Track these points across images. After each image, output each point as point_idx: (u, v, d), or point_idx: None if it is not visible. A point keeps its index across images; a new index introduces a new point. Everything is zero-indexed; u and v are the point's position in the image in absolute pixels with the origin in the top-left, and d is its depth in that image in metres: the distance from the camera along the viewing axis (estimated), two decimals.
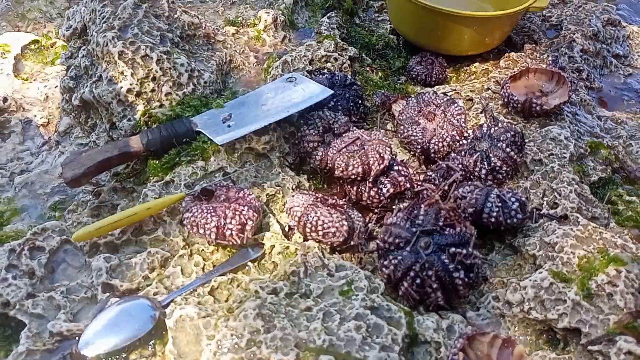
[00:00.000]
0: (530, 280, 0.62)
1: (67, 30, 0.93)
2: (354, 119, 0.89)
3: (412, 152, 0.87)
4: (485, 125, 0.82)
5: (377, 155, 0.76)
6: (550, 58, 0.99)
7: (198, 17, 0.93)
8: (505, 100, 0.88)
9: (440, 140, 0.84)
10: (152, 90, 0.80)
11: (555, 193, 0.73)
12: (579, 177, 0.77)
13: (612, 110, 0.95)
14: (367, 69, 1.01)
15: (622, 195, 0.77)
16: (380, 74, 1.01)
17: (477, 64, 1.02)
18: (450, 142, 0.84)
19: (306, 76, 0.89)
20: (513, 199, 0.69)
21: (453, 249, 0.62)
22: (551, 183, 0.74)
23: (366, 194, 0.77)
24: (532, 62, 0.99)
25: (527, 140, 0.83)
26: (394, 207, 0.77)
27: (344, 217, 0.70)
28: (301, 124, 0.83)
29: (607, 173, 0.81)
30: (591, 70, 0.99)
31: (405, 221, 0.66)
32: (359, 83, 0.92)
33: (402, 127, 0.87)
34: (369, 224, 0.76)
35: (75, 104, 0.85)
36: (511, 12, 0.92)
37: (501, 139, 0.79)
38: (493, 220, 0.68)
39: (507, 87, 0.88)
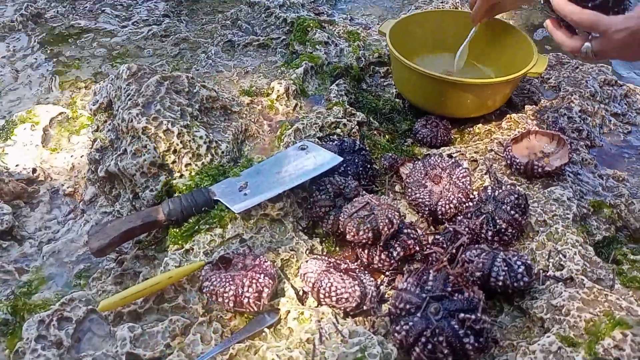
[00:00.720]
0: (538, 344, 0.63)
1: (93, 105, 1.00)
2: (364, 182, 0.93)
3: (420, 214, 0.90)
4: (489, 187, 0.86)
5: (387, 220, 0.79)
6: (550, 119, 1.03)
7: (215, 90, 1.00)
8: (509, 162, 0.92)
9: (447, 202, 0.87)
10: (173, 162, 0.86)
11: (560, 255, 0.75)
12: (583, 237, 0.79)
13: (613, 168, 0.98)
14: (375, 132, 1.06)
15: (627, 254, 0.79)
16: (387, 137, 1.06)
17: (480, 125, 1.07)
18: (457, 204, 0.87)
19: (317, 143, 0.94)
20: (519, 263, 0.72)
21: (462, 315, 0.64)
22: (556, 244, 0.77)
23: (377, 258, 0.80)
24: (533, 123, 1.03)
25: (531, 201, 0.86)
26: (404, 269, 0.80)
27: (357, 282, 0.73)
28: (313, 190, 0.87)
29: (610, 232, 0.83)
30: (591, 129, 1.03)
31: (415, 287, 0.68)
32: (367, 147, 0.97)
33: (409, 189, 0.91)
34: (381, 287, 0.79)
35: (101, 175, 0.90)
36: (510, 79, 0.97)
37: (505, 201, 0.82)
38: (500, 284, 0.71)
39: (510, 150, 0.92)
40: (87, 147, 0.99)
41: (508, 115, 1.05)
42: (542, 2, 0.85)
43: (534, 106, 1.08)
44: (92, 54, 1.30)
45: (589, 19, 0.72)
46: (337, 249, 0.85)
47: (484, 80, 0.97)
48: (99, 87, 1.02)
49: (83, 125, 1.10)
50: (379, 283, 0.79)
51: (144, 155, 0.84)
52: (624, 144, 1.04)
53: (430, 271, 0.70)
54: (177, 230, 0.80)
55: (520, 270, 0.71)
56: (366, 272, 0.78)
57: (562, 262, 0.74)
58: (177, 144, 0.86)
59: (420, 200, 0.89)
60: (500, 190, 0.84)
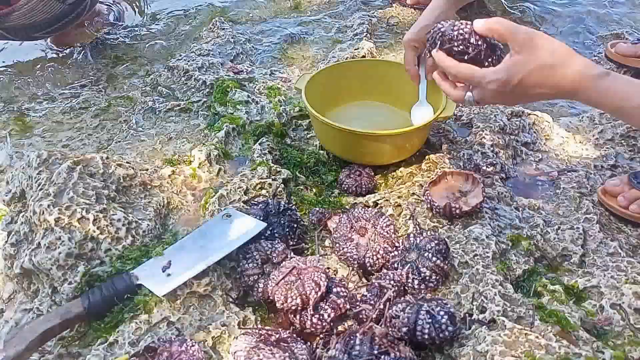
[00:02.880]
0: None
1: (6, 195, 0.97)
2: (292, 243, 0.93)
3: (350, 267, 0.91)
4: (412, 235, 0.88)
5: (314, 284, 0.79)
6: (466, 156, 1.07)
7: (133, 167, 0.98)
8: (429, 205, 0.95)
9: (374, 253, 0.89)
10: (92, 250, 0.83)
11: (482, 297, 0.77)
12: (503, 275, 0.82)
13: (528, 197, 1.02)
14: (302, 187, 1.07)
15: (546, 285, 0.82)
16: (314, 190, 1.07)
17: (402, 168, 1.10)
18: (384, 254, 0.89)
19: (242, 209, 0.94)
20: (442, 313, 0.73)
21: None
22: (478, 286, 0.79)
23: (309, 322, 0.79)
24: (450, 161, 1.07)
25: (453, 243, 0.89)
26: (339, 328, 0.80)
27: (287, 354, 0.72)
28: (240, 259, 0.86)
29: (530, 264, 0.86)
30: (504, 162, 1.08)
31: (343, 354, 0.68)
32: (293, 207, 0.97)
33: (337, 244, 0.92)
34: (317, 350, 0.78)
35: (17, 272, 0.86)
36: (420, 126, 1.01)
37: (427, 248, 0.84)
38: (426, 336, 0.72)
39: (429, 194, 0.95)
40: (2, 240, 0.95)
41: (427, 157, 1.09)
42: (426, 54, 0.90)
43: (451, 144, 1.13)
44: (7, 134, 1.26)
45: (465, 73, 0.78)
46: (273, 315, 0.84)
47: (396, 131, 1.01)
48: (11, 176, 0.98)
49: None
50: (315, 346, 0.79)
51: (59, 247, 0.82)
52: (536, 171, 1.09)
53: (357, 334, 0.70)
54: (100, 323, 0.77)
55: (444, 320, 0.72)
56: (300, 338, 0.78)
57: (484, 304, 0.76)
58: (94, 231, 0.84)
59: (349, 254, 0.90)
60: (422, 237, 0.87)
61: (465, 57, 0.79)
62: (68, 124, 1.28)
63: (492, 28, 0.78)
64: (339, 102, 1.21)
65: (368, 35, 1.52)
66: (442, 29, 0.82)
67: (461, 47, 0.80)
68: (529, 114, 1.20)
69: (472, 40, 0.80)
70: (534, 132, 1.17)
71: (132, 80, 1.43)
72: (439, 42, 0.82)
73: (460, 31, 0.80)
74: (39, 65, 1.49)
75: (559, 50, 0.74)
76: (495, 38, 0.79)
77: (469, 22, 0.81)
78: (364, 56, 1.41)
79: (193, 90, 1.33)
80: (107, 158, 0.96)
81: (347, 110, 1.21)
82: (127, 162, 1.03)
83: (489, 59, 0.79)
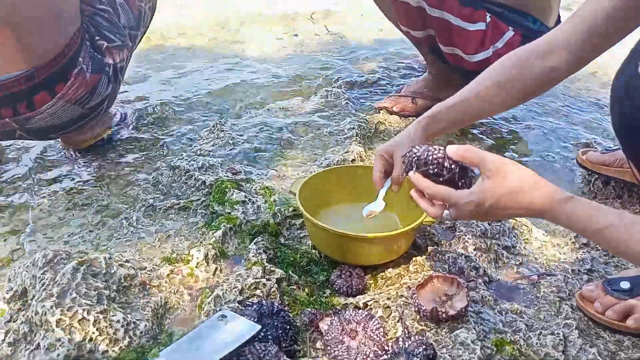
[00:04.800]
0: None
1: (7, 293, 1.00)
2: (285, 344, 0.96)
3: None
4: (400, 339, 0.92)
5: None
6: (450, 259, 1.13)
7: (133, 268, 1.03)
8: (416, 308, 0.99)
9: (364, 357, 0.91)
10: (90, 352, 0.85)
11: None
12: None
13: (511, 300, 1.07)
14: (294, 286, 1.11)
15: None
16: (306, 289, 1.11)
17: (390, 269, 1.15)
18: (374, 357, 0.91)
19: (237, 309, 0.98)
20: None
21: None
22: None
23: None
24: (436, 264, 1.13)
25: (440, 347, 0.92)
26: None
27: None
28: None
29: None
30: (487, 265, 1.14)
31: None
32: (286, 308, 1.01)
33: (328, 347, 0.94)
34: None
35: None
36: (407, 230, 1.09)
37: (415, 352, 0.88)
38: None
39: (416, 297, 0.99)
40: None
41: (414, 258, 1.15)
42: (403, 175, 0.99)
43: (436, 247, 1.19)
44: (12, 230, 1.31)
45: (442, 194, 0.87)
46: None
47: (383, 234, 1.08)
48: (13, 273, 1.01)
49: None
50: None
51: (58, 349, 0.84)
52: (517, 275, 1.15)
53: None
54: None
55: None
56: None
57: None
58: (94, 332, 0.86)
59: (339, 357, 0.92)
60: (410, 342, 0.90)
61: (440, 179, 0.88)
62: (70, 220, 1.33)
63: (463, 155, 0.88)
64: (331, 204, 1.29)
65: (358, 138, 1.63)
66: (417, 154, 0.92)
67: (436, 169, 0.90)
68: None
69: (446, 164, 0.90)
70: (514, 236, 1.25)
71: (134, 178, 1.50)
72: (415, 165, 0.92)
73: (434, 156, 0.90)
74: (46, 159, 1.57)
75: (525, 176, 0.83)
76: (466, 164, 0.88)
77: (442, 148, 0.91)
78: (353, 160, 1.52)
79: (193, 189, 1.40)
80: (110, 258, 1.00)
81: (340, 211, 1.29)
82: (126, 261, 1.08)
83: (462, 180, 0.89)
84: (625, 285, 1.00)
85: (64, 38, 1.31)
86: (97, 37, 1.38)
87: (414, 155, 0.92)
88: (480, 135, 1.71)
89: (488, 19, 1.49)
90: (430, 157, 0.90)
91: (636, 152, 0.94)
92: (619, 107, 0.92)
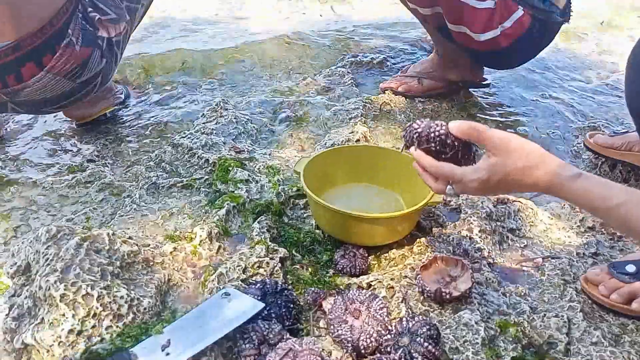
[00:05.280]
0: None
1: (11, 268, 0.99)
2: (288, 323, 0.96)
3: (344, 349, 0.93)
4: (404, 319, 0.91)
5: None
6: (455, 241, 1.13)
7: (137, 244, 1.02)
8: (420, 289, 0.99)
9: (368, 336, 0.91)
10: (93, 327, 0.86)
11: None
12: None
13: (515, 283, 1.07)
14: (298, 266, 1.11)
15: None
16: (310, 269, 1.11)
17: (394, 250, 1.14)
18: (377, 337, 0.91)
19: (240, 288, 0.98)
20: None
21: None
22: None
23: None
24: (440, 245, 1.12)
25: (444, 327, 0.92)
26: None
27: None
28: (237, 339, 0.88)
29: (517, 351, 0.89)
30: (491, 247, 1.14)
31: None
32: (289, 287, 1.01)
33: (332, 326, 0.94)
34: None
35: (17, 347, 0.87)
36: (411, 211, 1.08)
37: (419, 333, 0.87)
38: None
39: (420, 278, 0.99)
40: (3, 313, 0.96)
41: (418, 240, 1.14)
42: (401, 150, 0.97)
43: (441, 228, 1.18)
44: (14, 207, 1.30)
45: (445, 172, 0.86)
46: None
47: (387, 214, 1.07)
48: (17, 249, 1.01)
49: None
50: None
51: (62, 324, 0.84)
52: (522, 257, 1.14)
53: None
54: None
55: None
56: None
57: None
58: (97, 308, 0.86)
59: (343, 336, 0.92)
60: (414, 322, 0.90)
61: (443, 156, 0.86)
62: (73, 198, 1.33)
63: (466, 132, 0.86)
64: (335, 184, 1.28)
65: (362, 119, 1.62)
66: (418, 130, 0.89)
67: (439, 147, 0.88)
68: (514, 201, 1.27)
69: (449, 141, 0.87)
70: (519, 218, 1.24)
71: (137, 156, 1.49)
72: (416, 142, 0.89)
73: (437, 132, 0.88)
74: (49, 136, 1.56)
75: (533, 152, 0.82)
76: (470, 140, 0.87)
77: (444, 124, 0.89)
78: (358, 140, 1.50)
79: (196, 167, 1.39)
80: (114, 234, 1.00)
81: (344, 191, 1.28)
82: (130, 238, 1.07)
83: (465, 156, 0.87)
84: (630, 268, 1.00)
85: (53, 8, 1.27)
86: (90, 9, 1.33)
87: (415, 132, 0.90)
88: (485, 115, 1.69)
89: None
90: (432, 135, 0.88)
91: None
92: (631, 84, 0.90)
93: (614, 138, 1.46)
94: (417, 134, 0.90)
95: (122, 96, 1.72)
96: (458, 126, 0.86)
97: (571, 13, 1.54)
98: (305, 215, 1.26)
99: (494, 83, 1.84)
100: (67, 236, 0.97)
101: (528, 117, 1.70)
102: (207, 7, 2.41)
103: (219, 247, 1.11)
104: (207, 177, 1.35)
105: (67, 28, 1.30)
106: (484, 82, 1.80)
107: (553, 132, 1.64)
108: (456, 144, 0.87)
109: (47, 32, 1.26)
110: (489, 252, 1.12)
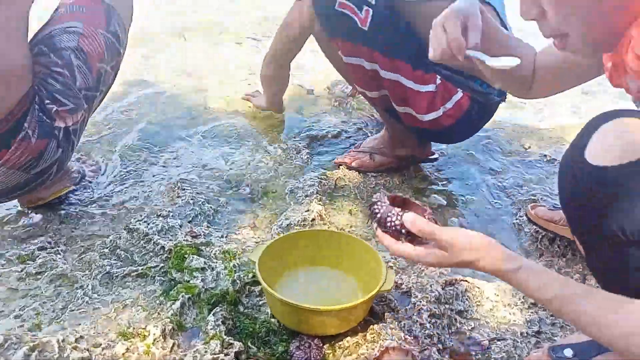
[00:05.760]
0: None
1: None
2: None
3: None
4: None
5: None
6: (406, 327, 1.17)
7: (88, 349, 1.01)
8: None
9: None
10: None
11: None
12: None
13: None
14: (253, 359, 1.12)
15: None
16: None
17: (348, 337, 1.17)
18: None
19: None
20: None
21: None
22: None
23: None
24: (392, 332, 1.16)
25: None
26: None
27: None
28: None
29: None
30: (441, 332, 1.18)
31: None
32: None
33: None
34: None
35: None
36: (362, 301, 1.12)
37: None
38: None
39: None
40: None
41: (371, 326, 1.18)
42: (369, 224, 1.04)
43: (393, 313, 1.22)
44: None
45: (402, 252, 0.95)
46: None
47: (337, 307, 1.10)
48: None
49: None
50: None
51: None
52: (469, 341, 1.19)
53: None
54: None
55: None
56: None
57: None
58: None
59: None
60: None
61: (402, 239, 0.96)
62: (23, 291, 1.30)
63: (418, 229, 0.93)
64: (292, 269, 1.31)
65: (318, 196, 1.67)
66: (377, 215, 0.98)
67: (395, 234, 0.96)
68: (461, 280, 1.33)
69: (404, 230, 0.95)
70: (467, 299, 1.29)
71: (91, 241, 1.48)
72: (376, 224, 0.98)
73: (392, 222, 0.96)
74: None
75: (478, 247, 0.89)
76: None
77: (400, 214, 0.96)
78: (314, 219, 1.55)
79: (151, 254, 1.40)
80: (64, 340, 0.99)
81: (301, 276, 1.31)
82: (81, 337, 1.06)
83: (420, 243, 0.96)
84: (568, 352, 1.05)
85: (9, 104, 1.28)
86: (47, 101, 1.35)
87: (374, 216, 0.98)
88: (434, 189, 1.77)
89: (438, 82, 1.57)
90: (389, 223, 0.96)
91: (579, 231, 1.00)
92: (565, 188, 0.99)
93: (553, 212, 1.55)
94: (376, 218, 0.98)
95: (78, 176, 1.72)
96: (411, 222, 0.94)
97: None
98: (261, 302, 1.28)
99: (442, 157, 1.95)
100: (14, 345, 0.95)
101: (474, 190, 1.79)
102: (166, 78, 2.46)
103: (173, 344, 1.11)
104: (162, 264, 1.36)
105: (24, 122, 1.31)
106: (431, 157, 1.90)
107: (496, 203, 1.73)
108: (409, 237, 0.95)
109: (2, 128, 1.27)
110: (438, 337, 1.16)
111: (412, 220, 0.94)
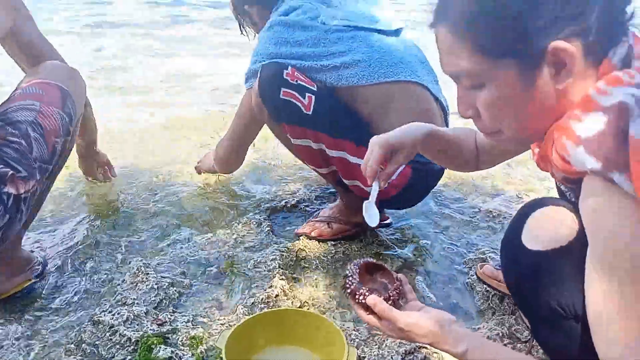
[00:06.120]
0: None
1: None
2: None
3: None
4: None
5: None
6: None
7: None
8: None
9: None
10: None
11: None
12: None
13: None
14: None
15: None
16: None
17: None
18: None
19: None
20: None
21: None
22: None
23: None
24: None
25: None
26: None
27: None
28: None
29: None
30: None
31: None
32: None
33: None
34: None
35: None
36: None
37: None
38: None
39: None
40: None
41: None
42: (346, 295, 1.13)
43: None
44: None
45: (369, 322, 1.08)
46: None
47: None
48: None
49: None
50: None
51: None
52: None
53: None
54: None
55: None
56: None
57: None
58: None
59: None
60: None
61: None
62: None
63: (380, 312, 1.04)
64: (258, 351, 1.35)
65: (281, 270, 1.73)
66: (348, 291, 1.10)
67: (364, 305, 1.07)
68: (420, 348, 1.41)
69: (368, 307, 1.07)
70: None
71: (56, 335, 1.48)
72: (348, 296, 1.11)
73: (360, 299, 1.08)
74: None
75: (431, 333, 0.99)
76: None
77: (367, 294, 1.07)
78: (277, 295, 1.60)
79: (118, 347, 1.41)
80: None
81: (269, 356, 1.35)
82: None
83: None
84: None
85: None
86: (0, 165, 1.37)
87: (347, 287, 1.10)
88: (391, 254, 1.86)
89: None
90: (357, 298, 1.08)
91: (523, 309, 1.11)
92: (507, 269, 1.11)
93: (499, 271, 1.66)
94: (348, 292, 1.10)
95: (40, 267, 1.72)
96: (374, 304, 1.05)
97: None
98: None
99: (396, 222, 2.05)
100: None
101: (428, 253, 1.90)
102: (125, 158, 2.51)
103: None
104: (129, 357, 1.37)
105: None
106: (386, 222, 2.00)
107: (449, 264, 1.84)
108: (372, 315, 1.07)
109: None
110: None
111: (373, 303, 1.05)
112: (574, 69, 0.85)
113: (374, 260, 1.19)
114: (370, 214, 1.22)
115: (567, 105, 0.89)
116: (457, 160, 1.39)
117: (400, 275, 1.14)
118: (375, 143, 1.20)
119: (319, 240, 1.92)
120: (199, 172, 2.31)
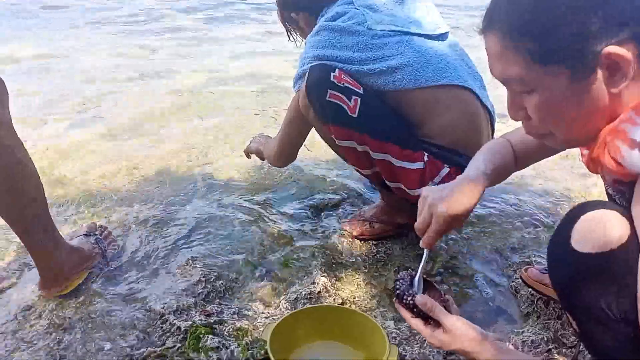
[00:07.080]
0: None
1: None
2: None
3: None
4: None
5: None
6: None
7: None
8: None
9: None
10: None
11: None
12: None
13: None
14: None
15: None
16: None
17: None
18: None
19: None
20: None
21: None
22: None
23: None
24: None
25: None
26: None
27: None
28: None
29: None
30: None
31: None
32: None
33: None
34: None
35: None
36: None
37: None
38: None
39: None
40: None
41: None
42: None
43: None
44: None
45: (414, 326, 1.10)
46: None
47: None
48: None
49: None
50: None
51: None
52: None
53: None
54: None
55: None
56: None
57: None
58: None
59: None
60: None
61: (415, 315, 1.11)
62: None
63: (427, 309, 1.07)
64: (301, 345, 1.39)
65: (323, 267, 1.76)
66: (397, 292, 1.14)
67: (409, 309, 1.12)
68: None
69: (415, 310, 1.11)
70: None
71: (110, 323, 1.57)
72: (396, 298, 1.15)
73: (408, 300, 1.12)
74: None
75: (471, 341, 1.01)
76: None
77: (416, 293, 1.11)
78: (319, 292, 1.64)
79: (168, 334, 1.48)
80: None
81: (308, 352, 1.39)
82: None
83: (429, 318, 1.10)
84: None
85: None
86: None
87: (397, 288, 1.14)
88: (435, 258, 1.86)
89: (426, 159, 1.69)
90: (404, 301, 1.12)
91: (571, 312, 1.10)
92: (555, 272, 1.10)
93: (544, 275, 1.64)
94: (396, 294, 1.15)
95: (96, 259, 1.81)
96: (422, 303, 1.08)
97: None
98: None
99: None
100: None
101: (471, 255, 1.89)
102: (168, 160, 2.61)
103: None
104: (179, 345, 1.44)
105: None
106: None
107: (493, 267, 1.82)
108: (421, 313, 1.10)
109: None
110: None
111: (423, 302, 1.09)
112: (629, 73, 0.85)
113: (425, 277, 1.21)
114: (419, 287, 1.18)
115: (620, 108, 0.88)
116: (502, 177, 1.37)
117: (447, 295, 1.18)
118: (441, 215, 1.11)
119: (360, 240, 1.94)
120: (248, 156, 2.29)
